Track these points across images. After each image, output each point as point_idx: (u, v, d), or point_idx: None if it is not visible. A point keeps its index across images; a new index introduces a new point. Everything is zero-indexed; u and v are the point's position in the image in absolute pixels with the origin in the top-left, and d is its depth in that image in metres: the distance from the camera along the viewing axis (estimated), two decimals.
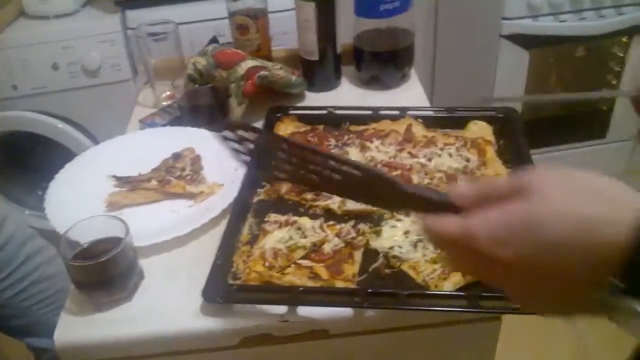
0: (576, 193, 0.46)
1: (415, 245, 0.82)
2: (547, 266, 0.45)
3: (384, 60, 1.25)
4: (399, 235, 0.84)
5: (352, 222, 0.87)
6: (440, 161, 0.97)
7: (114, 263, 0.75)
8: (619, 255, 0.42)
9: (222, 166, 1.01)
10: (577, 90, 2.26)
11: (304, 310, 0.76)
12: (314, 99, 1.24)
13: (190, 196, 0.97)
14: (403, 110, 1.08)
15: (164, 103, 1.24)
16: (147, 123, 1.18)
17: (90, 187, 1.00)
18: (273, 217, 0.89)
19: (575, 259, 0.44)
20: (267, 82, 1.16)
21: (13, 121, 1.93)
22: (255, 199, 0.94)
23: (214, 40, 1.37)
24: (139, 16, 1.79)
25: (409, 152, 0.99)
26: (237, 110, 1.14)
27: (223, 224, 0.88)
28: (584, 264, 0.44)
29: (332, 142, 1.04)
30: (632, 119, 2.25)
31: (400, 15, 1.21)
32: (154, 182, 0.99)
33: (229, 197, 0.93)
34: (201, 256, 0.83)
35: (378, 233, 0.85)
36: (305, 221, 0.88)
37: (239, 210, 0.90)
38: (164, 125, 1.17)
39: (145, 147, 1.08)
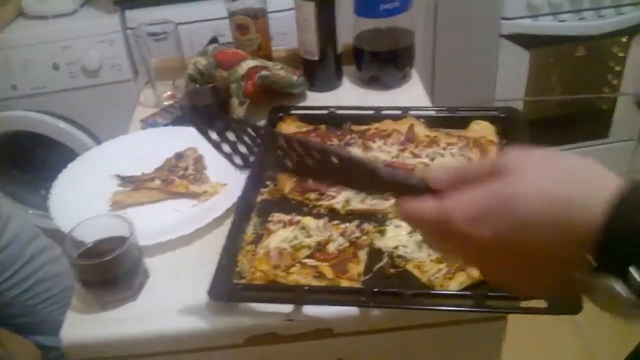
0: (552, 173, 0.46)
1: (420, 245, 0.82)
2: (522, 245, 0.46)
3: (384, 60, 1.25)
4: (403, 235, 0.84)
5: (356, 222, 0.88)
6: (442, 161, 0.97)
7: (119, 262, 0.75)
8: (593, 234, 0.42)
9: (225, 166, 1.00)
10: (577, 90, 2.26)
11: (309, 309, 0.76)
12: (315, 99, 1.25)
13: (194, 196, 0.97)
14: (405, 110, 1.08)
15: (165, 103, 1.24)
16: (148, 123, 1.18)
17: (94, 187, 1.00)
18: (277, 216, 0.89)
19: (550, 238, 0.44)
20: (268, 82, 1.16)
21: (15, 121, 1.93)
22: (259, 199, 0.94)
23: (213, 40, 1.37)
24: (138, 16, 1.78)
25: (412, 152, 0.99)
26: (238, 110, 1.14)
27: (227, 224, 0.88)
28: (559, 242, 0.44)
29: (335, 141, 1.04)
30: (634, 119, 2.25)
31: (400, 15, 1.21)
32: (157, 182, 0.99)
33: (233, 197, 0.93)
34: (205, 255, 0.83)
35: (382, 233, 0.85)
36: (309, 221, 0.88)
37: (243, 209, 0.90)
38: (166, 125, 1.17)
39: (147, 146, 1.09)
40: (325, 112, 1.11)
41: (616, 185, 0.43)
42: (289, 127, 1.08)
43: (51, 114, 1.93)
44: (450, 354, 0.87)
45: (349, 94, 1.27)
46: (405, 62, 1.26)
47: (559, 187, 0.44)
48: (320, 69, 1.26)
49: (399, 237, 0.84)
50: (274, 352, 0.80)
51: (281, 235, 0.85)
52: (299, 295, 0.75)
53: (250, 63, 1.18)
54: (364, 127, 1.07)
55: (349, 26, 1.25)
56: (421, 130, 1.04)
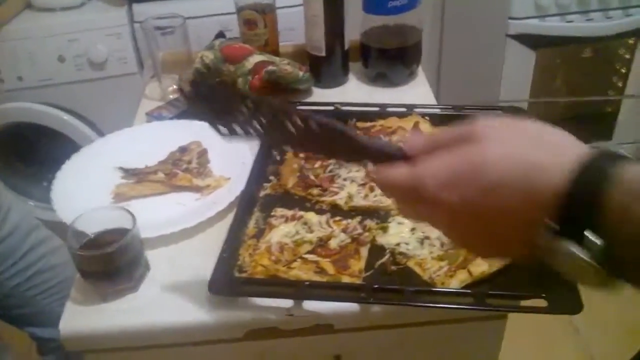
0: (519, 139, 0.48)
1: (421, 242, 0.82)
2: (488, 209, 0.47)
3: (391, 58, 1.25)
4: (405, 232, 0.84)
5: (358, 218, 0.87)
6: None
7: (120, 253, 0.75)
8: (555, 199, 0.44)
9: (229, 160, 1.01)
10: (582, 90, 2.25)
11: (310, 305, 0.76)
12: (321, 95, 1.24)
13: (197, 189, 0.97)
14: (410, 108, 1.08)
15: (171, 96, 1.24)
16: (154, 116, 1.18)
17: (97, 179, 1.00)
18: (279, 211, 0.89)
19: (515, 202, 0.46)
20: (275, 77, 1.16)
21: (18, 112, 1.93)
22: (262, 193, 0.94)
23: (220, 35, 1.37)
24: (146, 10, 1.79)
25: None
26: None
27: (229, 218, 0.88)
28: (523, 206, 0.46)
29: None
30: (639, 121, 2.25)
31: (408, 12, 1.21)
32: (160, 175, 0.99)
33: (236, 191, 0.93)
34: (207, 249, 0.83)
35: (385, 229, 0.85)
36: (311, 216, 0.88)
37: (246, 204, 0.90)
38: (171, 118, 1.17)
39: (152, 139, 1.09)
40: (330, 108, 1.10)
41: (580, 152, 0.45)
42: None
43: (56, 106, 1.93)
44: (450, 352, 0.87)
45: (354, 91, 1.27)
46: (412, 59, 1.26)
47: (526, 153, 0.46)
48: (326, 65, 1.25)
49: (401, 234, 0.83)
50: (274, 346, 0.80)
51: (283, 230, 0.85)
52: (299, 290, 0.75)
53: (257, 58, 1.18)
54: (369, 124, 1.07)
55: (357, 23, 1.25)
56: (426, 128, 1.03)
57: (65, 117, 1.93)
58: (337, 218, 0.88)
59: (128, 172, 1.01)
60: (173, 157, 1.04)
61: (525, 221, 0.46)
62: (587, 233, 0.43)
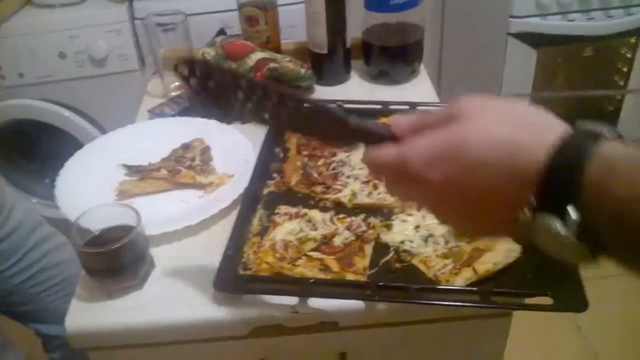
0: (502, 118, 0.49)
1: (426, 240, 0.81)
2: (471, 186, 0.49)
3: (393, 55, 1.25)
4: (409, 230, 0.84)
5: (362, 216, 0.87)
6: None
7: (125, 250, 0.75)
8: (536, 175, 0.45)
9: (232, 157, 1.01)
10: (584, 89, 2.25)
11: (315, 302, 0.76)
12: (323, 93, 1.24)
13: (200, 186, 0.97)
14: (413, 106, 1.08)
15: (173, 93, 1.24)
16: (156, 113, 1.17)
17: (100, 176, 1.00)
18: (283, 209, 0.89)
19: (497, 180, 0.47)
20: (277, 74, 1.16)
21: (19, 109, 1.93)
22: (265, 191, 0.94)
23: (221, 32, 1.37)
24: (147, 6, 1.78)
25: None
26: None
27: (233, 215, 0.88)
28: (505, 184, 0.47)
29: None
30: None
31: (410, 10, 1.20)
32: (164, 172, 0.99)
33: (239, 188, 0.93)
34: (211, 246, 0.83)
35: (389, 227, 0.85)
36: (315, 214, 0.88)
37: (249, 201, 0.90)
38: (173, 115, 1.17)
39: (154, 136, 1.08)
40: (333, 106, 1.10)
41: (562, 131, 0.46)
42: None
43: (57, 102, 1.94)
44: (455, 350, 0.87)
45: (356, 88, 1.27)
46: (414, 57, 1.26)
47: (508, 131, 0.47)
48: (328, 63, 1.25)
49: (405, 232, 0.83)
50: (279, 344, 0.80)
51: (287, 227, 0.85)
52: (304, 287, 0.75)
53: (259, 55, 1.18)
54: None
55: (359, 20, 1.24)
56: None
57: (67, 113, 1.93)
58: (341, 215, 0.88)
59: (131, 169, 1.01)
60: (176, 154, 1.04)
61: (509, 199, 0.47)
62: (568, 208, 0.44)
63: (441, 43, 2.19)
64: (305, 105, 0.58)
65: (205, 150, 1.04)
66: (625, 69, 2.18)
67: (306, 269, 0.78)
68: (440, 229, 0.83)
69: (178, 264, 0.84)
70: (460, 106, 0.51)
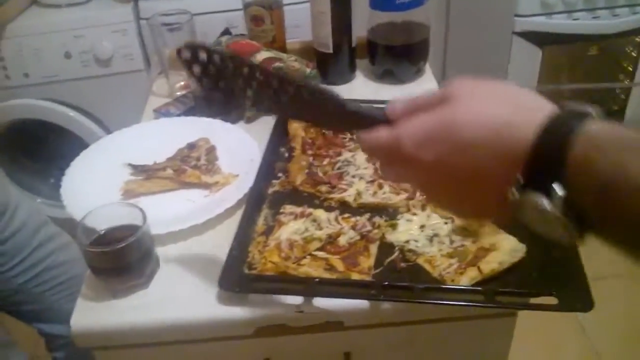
0: (492, 99, 0.50)
1: (431, 240, 0.82)
2: (463, 167, 0.50)
3: (398, 55, 1.25)
4: (414, 229, 0.84)
5: (367, 215, 0.87)
6: None
7: (131, 250, 0.76)
8: (524, 154, 0.46)
9: (237, 157, 1.02)
10: (588, 89, 2.25)
11: (320, 302, 0.76)
12: None
13: (206, 186, 0.97)
14: None
15: (178, 93, 1.25)
16: (161, 112, 1.18)
17: (106, 175, 1.00)
18: (288, 208, 0.89)
19: (487, 159, 0.49)
20: (282, 73, 1.16)
21: (24, 109, 1.93)
22: (270, 190, 0.94)
23: (226, 32, 1.37)
24: (152, 6, 1.78)
25: None
26: None
27: (238, 214, 0.88)
28: (496, 164, 0.48)
29: (347, 135, 1.03)
30: None
31: (416, 9, 1.20)
32: (169, 171, 0.99)
33: (244, 188, 0.93)
34: (217, 246, 0.84)
35: (394, 226, 0.85)
36: (320, 213, 0.88)
37: (254, 201, 0.90)
38: (179, 115, 1.17)
39: (160, 136, 1.09)
40: None
41: (550, 111, 0.47)
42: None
43: (62, 102, 1.94)
44: (460, 350, 0.87)
45: (361, 88, 1.27)
46: (419, 56, 1.26)
47: (497, 112, 0.49)
48: (333, 62, 1.25)
49: (410, 232, 0.83)
50: (283, 343, 0.80)
51: (292, 227, 0.85)
52: (309, 287, 0.75)
53: (264, 54, 1.18)
54: None
55: (364, 19, 1.24)
56: None
57: (72, 113, 1.93)
58: (346, 215, 0.88)
59: (137, 169, 1.01)
60: (181, 153, 1.04)
61: (498, 178, 0.49)
62: (554, 185, 0.45)
63: (446, 42, 2.19)
64: (305, 90, 0.60)
65: (211, 150, 1.04)
66: (630, 68, 2.18)
67: (311, 269, 0.78)
68: (445, 229, 0.83)
69: (183, 263, 0.84)
70: (452, 88, 0.52)
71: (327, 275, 0.77)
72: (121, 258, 0.76)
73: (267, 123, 1.11)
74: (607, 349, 1.89)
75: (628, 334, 1.86)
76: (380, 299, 0.75)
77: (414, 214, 0.86)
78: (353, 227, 0.85)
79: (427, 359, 0.88)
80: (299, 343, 0.80)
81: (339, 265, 0.79)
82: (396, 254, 0.81)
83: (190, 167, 1.00)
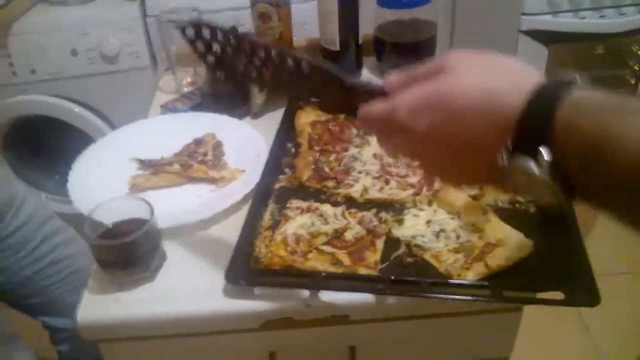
0: (483, 69, 0.53)
1: (437, 235, 0.82)
2: (456, 134, 0.53)
3: (405, 52, 1.25)
4: (421, 225, 0.84)
5: (373, 211, 0.87)
6: None
7: (138, 243, 0.76)
8: (513, 121, 0.49)
9: (244, 152, 1.02)
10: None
11: (326, 296, 0.76)
12: None
13: (212, 181, 0.97)
14: None
15: (186, 89, 1.25)
16: (168, 108, 1.18)
17: (113, 170, 1.00)
18: (295, 203, 0.89)
19: (480, 126, 0.51)
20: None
21: (30, 105, 1.94)
22: (277, 186, 0.94)
23: (233, 29, 1.37)
24: (158, 4, 1.79)
25: None
26: (258, 97, 1.14)
27: (244, 209, 0.88)
28: (487, 130, 0.51)
29: (354, 131, 1.04)
30: None
31: (423, 6, 1.20)
32: (176, 166, 0.99)
33: (251, 183, 0.93)
34: (223, 240, 0.84)
35: (400, 222, 0.85)
36: (326, 208, 0.88)
37: (261, 196, 0.90)
38: (186, 110, 1.17)
39: (166, 131, 1.09)
40: None
41: (538, 80, 0.50)
42: (308, 116, 1.08)
43: (68, 98, 1.94)
44: (465, 345, 0.87)
45: None
46: (426, 54, 1.25)
47: (489, 81, 0.51)
48: (340, 59, 1.25)
49: (416, 227, 0.83)
50: (289, 337, 0.80)
51: (299, 221, 0.85)
52: (316, 281, 0.75)
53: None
54: None
55: (370, 17, 1.24)
56: None
57: (77, 109, 1.94)
58: (353, 210, 0.88)
59: (144, 164, 1.01)
60: (188, 149, 1.04)
61: (489, 145, 0.51)
62: (541, 149, 0.47)
63: (452, 40, 2.18)
64: (304, 64, 0.61)
65: (218, 145, 1.05)
66: (636, 67, 2.17)
67: (317, 263, 0.78)
68: (451, 224, 0.83)
69: (190, 257, 0.84)
70: (446, 60, 0.55)
71: (333, 269, 0.77)
72: (128, 251, 0.76)
73: (273, 119, 1.11)
74: (610, 347, 1.88)
75: (631, 331, 1.85)
76: (387, 293, 0.75)
77: (421, 210, 0.86)
78: (359, 222, 0.85)
79: (432, 354, 0.89)
80: (305, 337, 0.81)
81: (345, 260, 0.79)
82: (402, 249, 0.81)
83: (197, 162, 1.00)
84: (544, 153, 0.47)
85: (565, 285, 0.69)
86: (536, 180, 0.48)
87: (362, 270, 0.77)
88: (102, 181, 0.97)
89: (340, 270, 0.77)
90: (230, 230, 0.85)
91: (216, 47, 0.63)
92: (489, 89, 0.51)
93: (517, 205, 0.86)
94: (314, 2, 1.22)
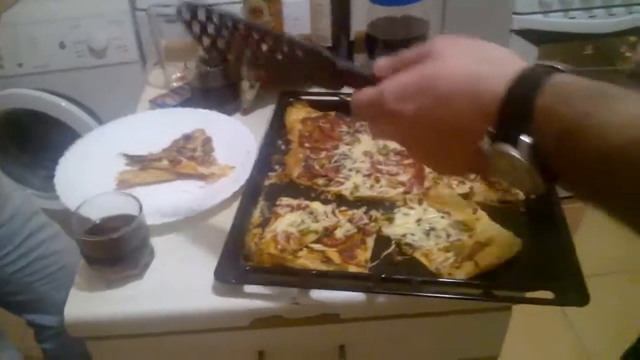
0: (468, 55, 0.54)
1: (427, 234, 0.81)
2: (441, 119, 0.54)
3: (397, 49, 1.24)
4: (411, 223, 0.83)
5: (364, 209, 0.87)
6: None
7: (126, 240, 0.75)
8: (495, 106, 0.50)
9: (233, 148, 1.01)
10: None
11: (316, 294, 0.75)
12: None
13: (202, 177, 0.96)
14: None
15: (175, 84, 1.24)
16: (157, 103, 1.17)
17: (100, 165, 0.99)
18: (285, 200, 0.89)
19: (464, 111, 0.52)
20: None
21: (16, 98, 1.92)
22: (267, 183, 0.94)
23: None
24: None
25: None
26: (248, 93, 1.14)
27: (234, 206, 0.87)
28: (472, 114, 0.52)
29: (345, 128, 1.03)
30: None
31: (415, 3, 1.20)
32: (165, 162, 0.98)
33: (240, 180, 0.92)
34: (212, 237, 0.83)
35: (390, 220, 0.84)
36: (317, 206, 0.87)
37: (251, 192, 0.89)
38: (175, 106, 1.16)
39: (155, 127, 1.08)
40: (335, 98, 1.10)
41: (521, 66, 0.51)
42: (298, 113, 1.07)
43: (54, 92, 1.92)
44: (454, 343, 0.87)
45: None
46: None
47: (473, 67, 0.52)
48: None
49: (407, 225, 0.83)
50: (278, 335, 0.80)
51: (289, 219, 0.85)
52: (306, 279, 0.75)
53: None
54: None
55: (362, 13, 1.24)
56: None
57: (63, 103, 1.92)
58: (343, 208, 0.87)
59: (132, 159, 1.00)
60: (177, 144, 1.03)
61: (474, 130, 0.52)
62: (522, 137, 0.48)
63: None
64: (298, 47, 0.63)
65: (207, 141, 1.04)
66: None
67: (308, 261, 0.78)
68: (442, 223, 0.82)
69: (178, 254, 0.83)
70: (432, 45, 0.56)
71: (323, 267, 0.77)
72: (116, 248, 0.75)
73: (263, 115, 1.10)
74: (596, 346, 1.90)
75: (617, 331, 1.86)
76: (377, 292, 0.75)
77: (411, 208, 0.86)
78: (350, 220, 0.85)
79: (422, 353, 0.88)
80: (294, 335, 0.80)
81: (336, 258, 0.78)
82: (393, 247, 0.81)
83: (186, 158, 0.99)
84: (524, 138, 0.48)
85: (555, 285, 0.69)
86: (517, 165, 0.49)
87: (353, 269, 0.77)
88: (89, 177, 0.96)
89: (330, 268, 0.77)
90: (220, 227, 0.85)
91: (212, 28, 0.64)
92: (474, 74, 0.52)
93: (507, 204, 0.86)
94: None
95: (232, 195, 0.90)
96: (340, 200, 0.90)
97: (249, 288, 0.76)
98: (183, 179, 0.97)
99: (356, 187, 0.90)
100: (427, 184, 0.89)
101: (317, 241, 0.81)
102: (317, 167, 0.95)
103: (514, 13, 1.99)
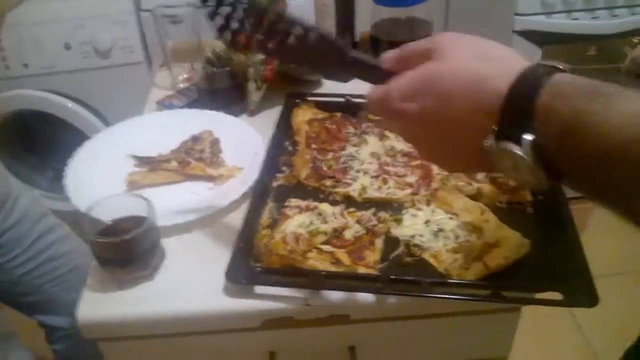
0: (470, 53, 0.54)
1: (436, 235, 0.82)
2: (445, 117, 0.55)
3: None
4: (419, 224, 0.84)
5: (372, 210, 0.88)
6: None
7: (138, 241, 0.76)
8: (498, 105, 0.51)
9: (241, 150, 1.02)
10: None
11: (326, 295, 0.76)
12: (331, 86, 1.23)
13: (210, 178, 0.97)
14: None
15: (181, 85, 1.24)
16: (164, 104, 1.17)
17: (110, 167, 0.99)
18: (293, 202, 0.89)
19: (467, 109, 0.53)
20: (286, 68, 1.16)
21: (23, 99, 1.92)
22: (275, 184, 0.94)
23: None
24: None
25: None
26: (254, 94, 1.14)
27: (243, 208, 0.88)
28: (475, 113, 0.52)
29: (351, 129, 1.04)
30: None
31: (419, 5, 1.20)
32: (174, 163, 0.99)
33: (249, 181, 0.93)
34: (222, 238, 0.84)
35: (399, 221, 0.85)
36: (325, 207, 0.88)
37: (259, 194, 0.90)
38: (182, 107, 1.16)
39: (163, 128, 1.08)
40: (341, 99, 1.10)
41: (523, 65, 0.51)
42: (305, 114, 1.08)
43: (60, 93, 1.93)
44: (464, 344, 0.87)
45: (364, 83, 1.25)
46: None
47: (477, 66, 0.53)
48: None
49: (415, 226, 0.84)
50: (289, 336, 0.80)
51: (297, 220, 0.85)
52: (316, 280, 0.75)
53: None
54: (379, 117, 1.06)
55: (367, 15, 1.24)
56: None
57: (70, 104, 1.92)
58: (351, 209, 0.88)
59: (141, 161, 1.01)
60: (185, 146, 1.03)
61: (477, 128, 0.53)
62: (524, 135, 0.49)
63: None
64: (311, 33, 0.63)
65: (215, 143, 1.04)
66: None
67: (317, 262, 0.78)
68: (450, 224, 0.83)
69: (188, 256, 0.84)
70: (437, 42, 0.57)
71: (333, 268, 0.77)
72: (128, 249, 0.76)
73: (270, 116, 1.11)
74: (603, 347, 1.90)
75: (624, 332, 1.87)
76: (387, 293, 0.75)
77: (419, 209, 0.87)
78: (358, 221, 0.85)
79: (431, 354, 0.89)
80: (304, 336, 0.81)
81: (345, 259, 0.79)
82: (401, 248, 0.81)
83: (195, 159, 1.00)
84: (527, 137, 0.49)
85: (564, 286, 0.70)
86: (519, 164, 0.50)
87: (362, 270, 0.77)
88: (98, 178, 0.96)
89: (340, 269, 0.77)
90: (229, 228, 0.85)
91: (226, 9, 0.65)
92: (475, 73, 0.52)
93: (515, 205, 0.86)
94: None
95: (241, 197, 0.91)
96: (348, 201, 0.90)
97: (259, 289, 0.77)
98: (192, 181, 0.98)
99: (364, 189, 0.91)
100: (434, 185, 0.90)
101: (326, 242, 0.82)
102: (324, 168, 0.95)
103: (517, 14, 1.99)
